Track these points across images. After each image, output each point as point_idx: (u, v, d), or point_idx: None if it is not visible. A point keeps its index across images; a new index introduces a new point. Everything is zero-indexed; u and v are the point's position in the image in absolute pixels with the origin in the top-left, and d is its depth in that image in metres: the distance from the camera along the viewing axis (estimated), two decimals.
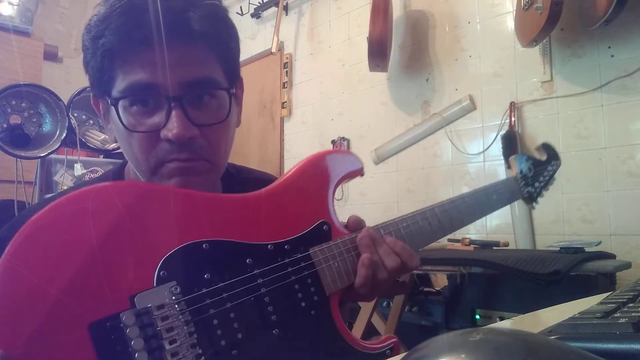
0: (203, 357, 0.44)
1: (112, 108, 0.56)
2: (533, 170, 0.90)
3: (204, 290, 0.47)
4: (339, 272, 0.58)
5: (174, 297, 0.45)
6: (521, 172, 0.89)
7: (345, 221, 0.65)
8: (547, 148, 0.93)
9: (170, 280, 0.46)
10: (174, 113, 0.53)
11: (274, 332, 0.50)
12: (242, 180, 0.74)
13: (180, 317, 0.45)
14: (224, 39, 0.59)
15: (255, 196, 0.57)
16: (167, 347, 0.42)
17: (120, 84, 0.54)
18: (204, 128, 0.56)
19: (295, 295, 0.53)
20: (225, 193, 0.67)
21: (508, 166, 2.19)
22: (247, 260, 0.52)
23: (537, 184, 0.90)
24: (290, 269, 0.54)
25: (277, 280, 0.53)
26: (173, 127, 0.53)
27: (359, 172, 0.66)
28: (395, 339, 0.58)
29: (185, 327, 0.44)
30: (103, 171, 2.69)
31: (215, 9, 0.58)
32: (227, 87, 0.59)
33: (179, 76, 0.54)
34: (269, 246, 0.54)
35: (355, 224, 0.64)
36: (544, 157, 0.93)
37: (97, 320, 0.41)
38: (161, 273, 0.46)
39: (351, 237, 0.61)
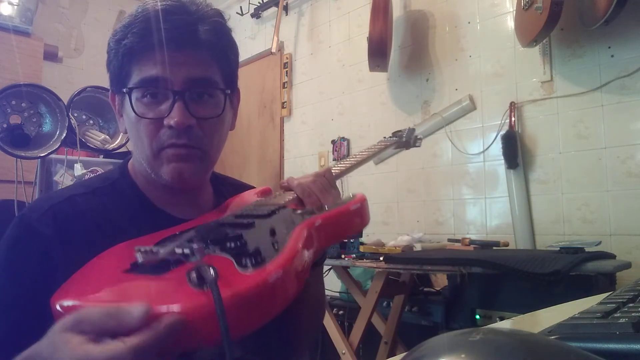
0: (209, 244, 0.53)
1: (126, 100, 0.67)
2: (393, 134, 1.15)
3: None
4: (281, 198, 0.72)
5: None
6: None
7: None
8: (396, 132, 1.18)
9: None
10: (176, 105, 0.64)
11: (254, 224, 0.60)
12: (228, 184, 0.87)
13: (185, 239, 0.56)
14: (224, 49, 0.71)
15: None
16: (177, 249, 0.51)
17: (135, 78, 0.66)
18: (201, 120, 0.67)
19: (259, 213, 0.65)
20: (215, 195, 0.81)
21: (508, 166, 2.19)
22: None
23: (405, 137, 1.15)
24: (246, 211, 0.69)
25: (239, 216, 0.65)
26: (175, 116, 0.64)
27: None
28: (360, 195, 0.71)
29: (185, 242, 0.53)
30: (103, 171, 2.69)
31: (220, 25, 0.70)
32: (223, 88, 0.70)
33: (184, 74, 0.65)
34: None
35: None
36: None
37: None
38: (160, 242, 0.58)
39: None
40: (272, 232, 0.56)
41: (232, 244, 0.52)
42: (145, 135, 0.66)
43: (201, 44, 0.66)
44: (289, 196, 0.73)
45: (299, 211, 0.67)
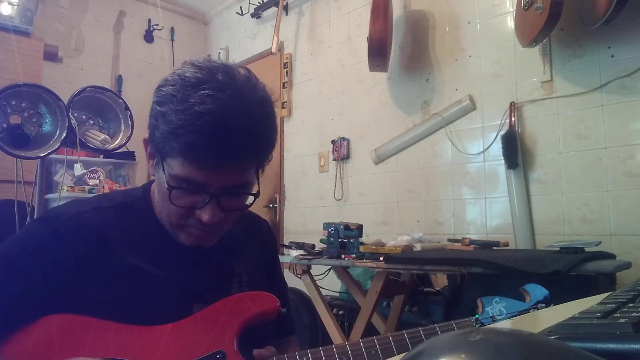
0: None
1: (161, 167, 0.69)
2: (505, 314, 0.75)
3: None
4: None
5: None
6: (486, 313, 0.77)
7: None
8: (533, 289, 0.77)
9: None
10: (209, 204, 0.68)
11: None
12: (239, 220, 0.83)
13: None
14: (268, 157, 0.73)
15: (162, 328, 0.68)
16: None
17: (178, 167, 0.67)
18: (228, 212, 0.71)
19: None
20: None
21: (508, 166, 2.19)
22: None
23: None
24: None
25: None
26: (207, 214, 0.68)
27: (275, 312, 0.74)
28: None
29: None
30: (103, 171, 2.69)
31: (273, 132, 0.71)
32: (256, 193, 0.73)
33: (224, 181, 0.68)
34: None
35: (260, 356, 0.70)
36: (527, 299, 0.77)
37: None
38: None
39: None
40: None
41: None
42: (175, 214, 0.71)
43: (250, 158, 0.69)
44: None
45: None
